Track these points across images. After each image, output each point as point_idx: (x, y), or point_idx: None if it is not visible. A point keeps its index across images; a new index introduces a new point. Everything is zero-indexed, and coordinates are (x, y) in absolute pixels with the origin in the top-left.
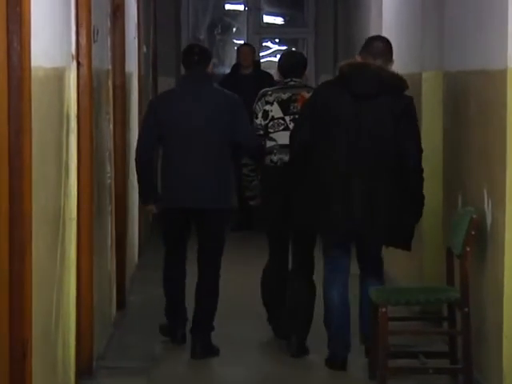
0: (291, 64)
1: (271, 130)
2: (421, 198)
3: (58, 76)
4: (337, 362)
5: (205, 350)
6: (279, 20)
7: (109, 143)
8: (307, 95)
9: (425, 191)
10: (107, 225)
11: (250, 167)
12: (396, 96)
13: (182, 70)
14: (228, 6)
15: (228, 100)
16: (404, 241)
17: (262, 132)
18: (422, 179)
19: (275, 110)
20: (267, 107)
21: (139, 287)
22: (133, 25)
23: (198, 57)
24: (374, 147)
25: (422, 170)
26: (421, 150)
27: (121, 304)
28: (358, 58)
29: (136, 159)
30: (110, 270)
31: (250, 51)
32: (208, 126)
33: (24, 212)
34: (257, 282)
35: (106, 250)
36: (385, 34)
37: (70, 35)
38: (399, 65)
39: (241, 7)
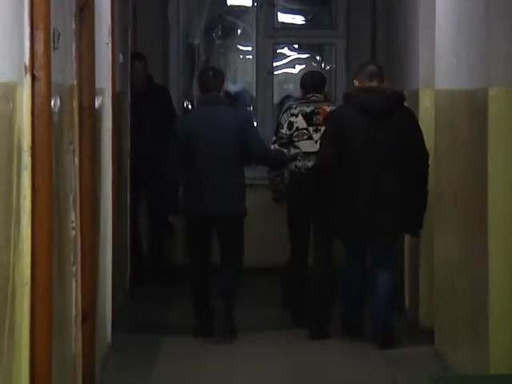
0: (313, 82)
1: (295, 139)
2: (427, 192)
3: (7, 94)
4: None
5: (229, 322)
6: (299, 19)
7: (73, 183)
8: (328, 108)
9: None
10: (71, 292)
11: (275, 172)
12: (399, 109)
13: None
14: (231, 1)
15: (240, 117)
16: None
17: (285, 140)
18: (427, 175)
19: (299, 122)
20: (292, 119)
21: (112, 374)
22: (105, 26)
23: (212, 81)
24: (388, 155)
25: (428, 170)
26: (427, 154)
27: None
28: (356, 83)
29: (167, 175)
30: (75, 353)
31: (142, 64)
32: (224, 143)
33: None
34: None
35: (70, 326)
36: (438, 39)
37: (23, 40)
38: (458, 79)
39: (248, 2)
